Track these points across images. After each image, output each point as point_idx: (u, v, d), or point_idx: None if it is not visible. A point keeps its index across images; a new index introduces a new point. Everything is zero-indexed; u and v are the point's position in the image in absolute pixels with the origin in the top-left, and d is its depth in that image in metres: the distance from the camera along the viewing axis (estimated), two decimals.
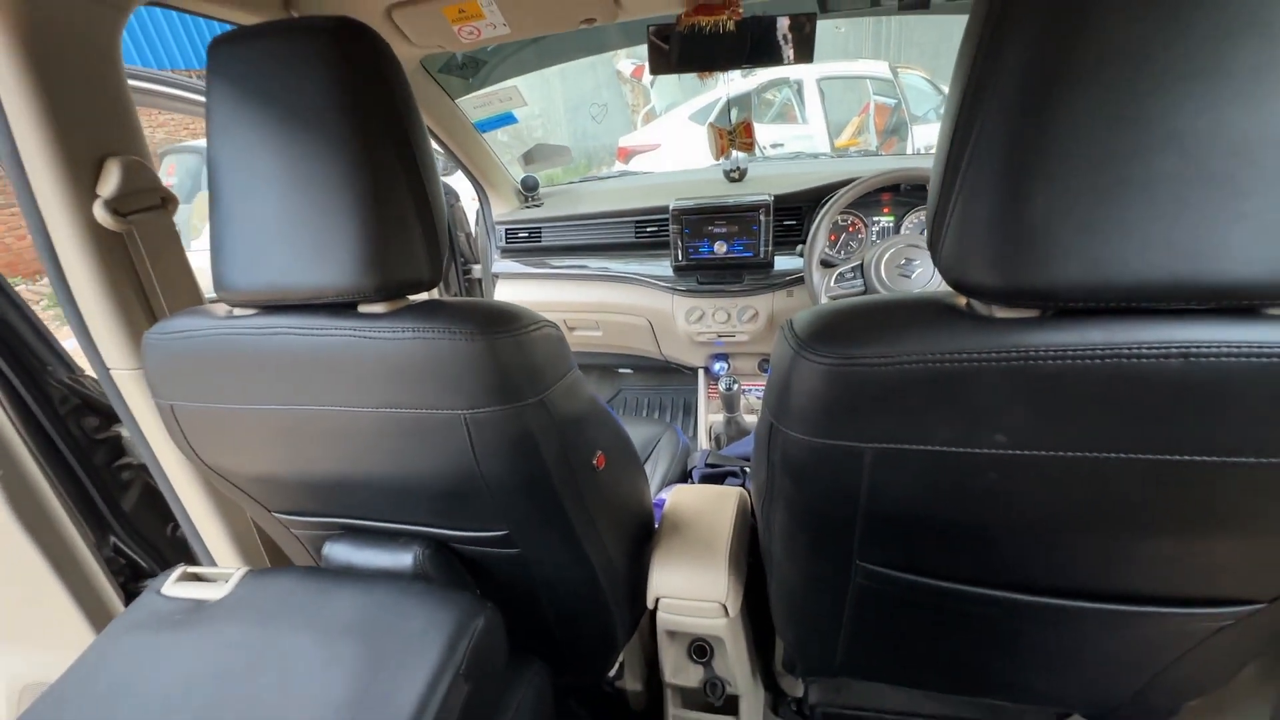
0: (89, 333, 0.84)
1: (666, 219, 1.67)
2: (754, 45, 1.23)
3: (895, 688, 1.14)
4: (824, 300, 1.42)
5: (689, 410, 2.22)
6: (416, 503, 0.76)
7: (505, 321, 0.63)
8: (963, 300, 0.50)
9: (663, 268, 1.74)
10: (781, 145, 5.09)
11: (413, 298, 0.66)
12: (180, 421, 0.73)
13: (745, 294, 1.64)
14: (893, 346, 0.49)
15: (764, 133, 5.31)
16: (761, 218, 1.60)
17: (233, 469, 0.78)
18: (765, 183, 1.74)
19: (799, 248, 1.55)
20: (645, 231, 1.78)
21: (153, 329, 0.69)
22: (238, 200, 0.61)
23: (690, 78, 1.26)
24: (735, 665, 0.96)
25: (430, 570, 0.79)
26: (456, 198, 2.02)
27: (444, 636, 0.67)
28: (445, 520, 0.78)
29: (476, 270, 2.08)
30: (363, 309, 0.63)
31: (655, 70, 1.25)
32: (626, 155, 5.97)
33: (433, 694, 0.62)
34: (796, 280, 1.59)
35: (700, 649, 0.96)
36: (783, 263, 1.65)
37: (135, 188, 0.79)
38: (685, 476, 1.36)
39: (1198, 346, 0.42)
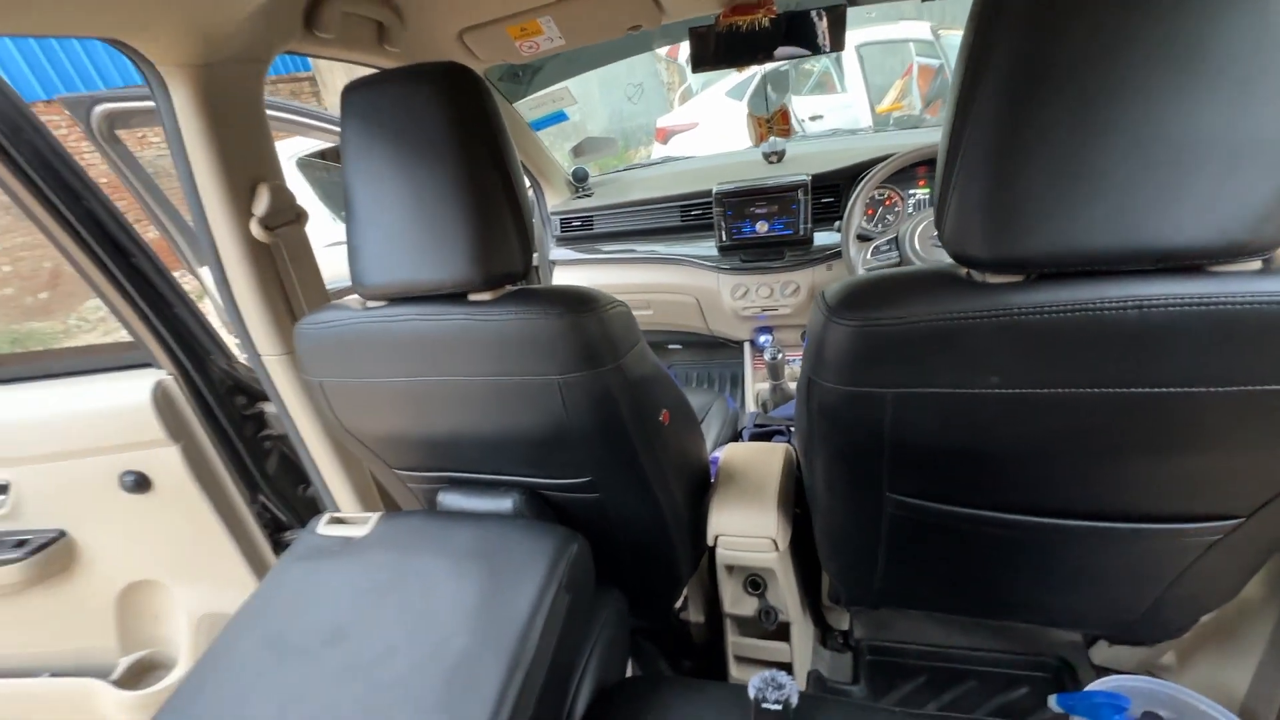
0: (245, 326, 1.04)
1: (710, 202, 1.79)
2: (789, 38, 1.33)
3: (931, 624, 1.27)
4: (861, 273, 1.52)
5: (736, 382, 2.34)
6: (515, 456, 0.92)
7: (587, 302, 0.77)
8: (963, 270, 0.61)
9: (708, 248, 1.86)
10: (821, 117, 5.07)
11: (510, 286, 0.81)
12: (327, 395, 0.91)
13: (787, 269, 1.75)
14: (905, 309, 0.61)
15: (803, 105, 5.29)
16: (800, 197, 1.70)
17: (366, 432, 0.95)
18: (803, 162, 1.83)
19: (837, 224, 1.64)
20: (690, 215, 1.90)
21: (303, 320, 0.86)
22: (369, 214, 0.77)
23: None
24: (786, 595, 1.10)
25: (526, 513, 0.96)
26: None
27: (547, 557, 0.83)
28: (538, 470, 0.94)
29: (534, 258, 2.24)
30: (472, 297, 0.79)
31: (697, 67, 1.36)
32: (665, 135, 6.03)
33: (542, 600, 0.78)
34: (835, 255, 1.69)
35: (754, 582, 1.11)
36: (822, 238, 1.74)
37: (278, 206, 0.97)
38: (736, 438, 1.50)
39: (1150, 300, 0.53)
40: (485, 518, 0.94)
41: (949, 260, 0.64)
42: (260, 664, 0.73)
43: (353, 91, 0.75)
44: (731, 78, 5.82)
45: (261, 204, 0.95)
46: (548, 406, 0.81)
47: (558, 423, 0.83)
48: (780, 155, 1.87)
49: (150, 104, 0.85)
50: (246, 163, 0.94)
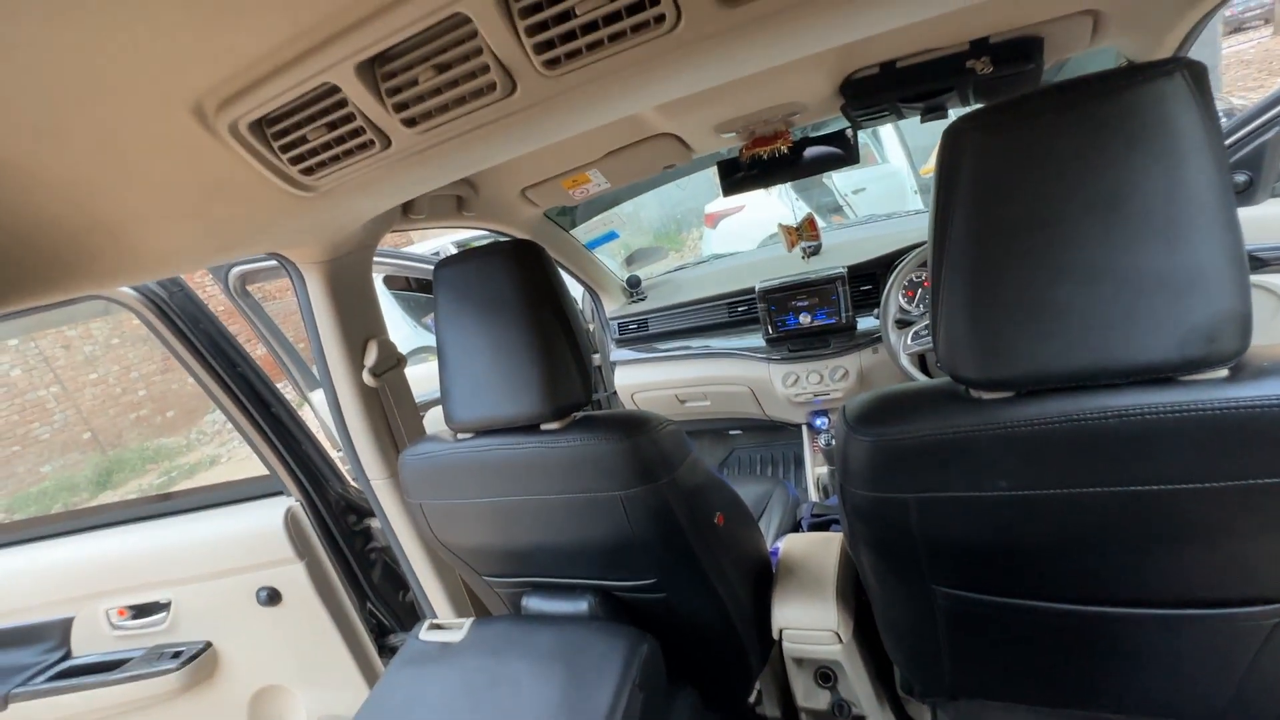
0: (357, 454, 1.23)
1: (755, 298, 1.92)
2: (805, 160, 1.49)
3: (1022, 716, 1.23)
4: (903, 358, 1.58)
5: (799, 462, 2.38)
6: (588, 562, 1.03)
7: (641, 426, 0.90)
8: (961, 386, 0.70)
9: (757, 340, 1.98)
10: (864, 190, 5.21)
11: (576, 415, 0.95)
12: (425, 513, 1.06)
13: (834, 355, 1.84)
14: (914, 424, 0.70)
15: (844, 179, 5.46)
16: (839, 288, 1.81)
17: (459, 544, 1.09)
18: (840, 253, 1.95)
19: (876, 311, 1.73)
20: (737, 311, 2.03)
21: (406, 451, 1.03)
22: (458, 363, 0.94)
23: None
24: (858, 687, 1.12)
25: (600, 614, 1.05)
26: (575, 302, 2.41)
27: (621, 658, 0.92)
28: (609, 574, 1.04)
29: (596, 359, 2.43)
30: (544, 427, 0.93)
31: (727, 192, 1.54)
32: (714, 220, 6.31)
33: (619, 700, 0.87)
34: (879, 338, 1.76)
35: (825, 674, 1.14)
36: (866, 323, 1.83)
37: (384, 356, 1.18)
38: (796, 527, 1.55)
39: (1126, 410, 0.60)
40: (564, 620, 1.04)
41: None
42: None
43: (443, 268, 0.94)
44: None
45: (371, 356, 1.16)
46: (613, 519, 0.93)
47: (622, 533, 0.94)
48: (817, 249, 2.00)
49: (272, 263, 1.09)
50: (360, 325, 1.15)
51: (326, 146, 0.54)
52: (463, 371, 0.94)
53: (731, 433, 2.52)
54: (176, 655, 1.31)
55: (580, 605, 1.06)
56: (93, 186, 0.58)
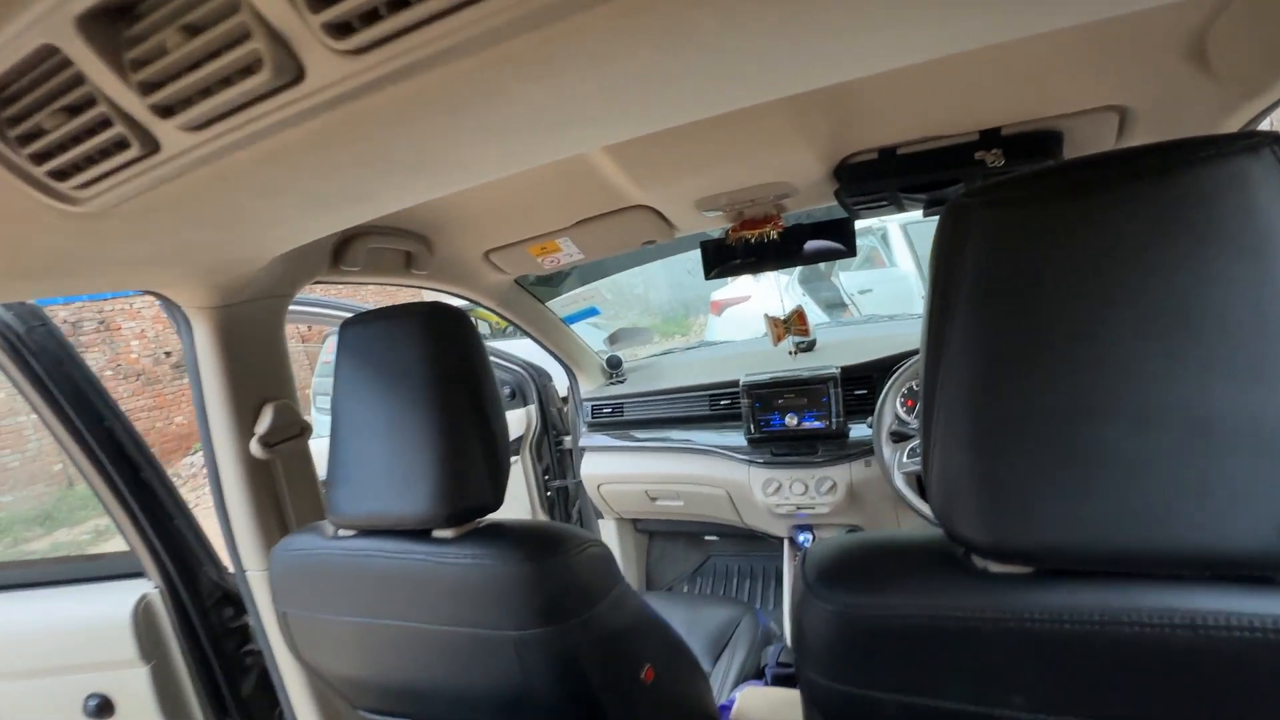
0: (234, 538, 1.02)
1: (737, 392, 1.75)
2: (798, 248, 1.36)
3: None
4: (897, 476, 1.39)
5: (780, 579, 2.12)
6: (475, 713, 0.80)
7: (556, 545, 0.71)
8: (959, 548, 0.51)
9: (738, 438, 1.79)
10: (870, 290, 5.17)
11: (480, 521, 0.76)
12: (290, 626, 0.85)
13: (822, 465, 1.64)
14: (892, 596, 0.51)
15: (851, 279, 5.44)
16: (831, 390, 1.64)
17: (327, 669, 0.87)
18: (836, 351, 1.80)
19: (870, 419, 1.55)
20: (719, 404, 1.86)
21: (278, 545, 0.83)
22: (348, 442, 0.76)
23: None
24: None
25: None
26: (549, 378, 2.24)
27: None
28: None
29: (568, 441, 2.23)
30: (435, 534, 0.74)
31: (709, 276, 1.40)
32: (720, 308, 6.28)
33: None
34: (873, 450, 1.57)
35: None
36: (859, 431, 1.64)
37: (281, 424, 1.00)
38: (760, 674, 1.29)
39: (1206, 620, 0.40)
40: None
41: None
42: None
43: (348, 327, 0.78)
44: None
45: (264, 423, 0.98)
46: (503, 667, 0.71)
47: (514, 685, 0.72)
48: (810, 345, 1.85)
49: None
50: (256, 384, 0.98)
51: (75, 141, 0.39)
52: (352, 452, 0.76)
53: (707, 538, 2.28)
54: None
55: None
56: None
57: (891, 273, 5.47)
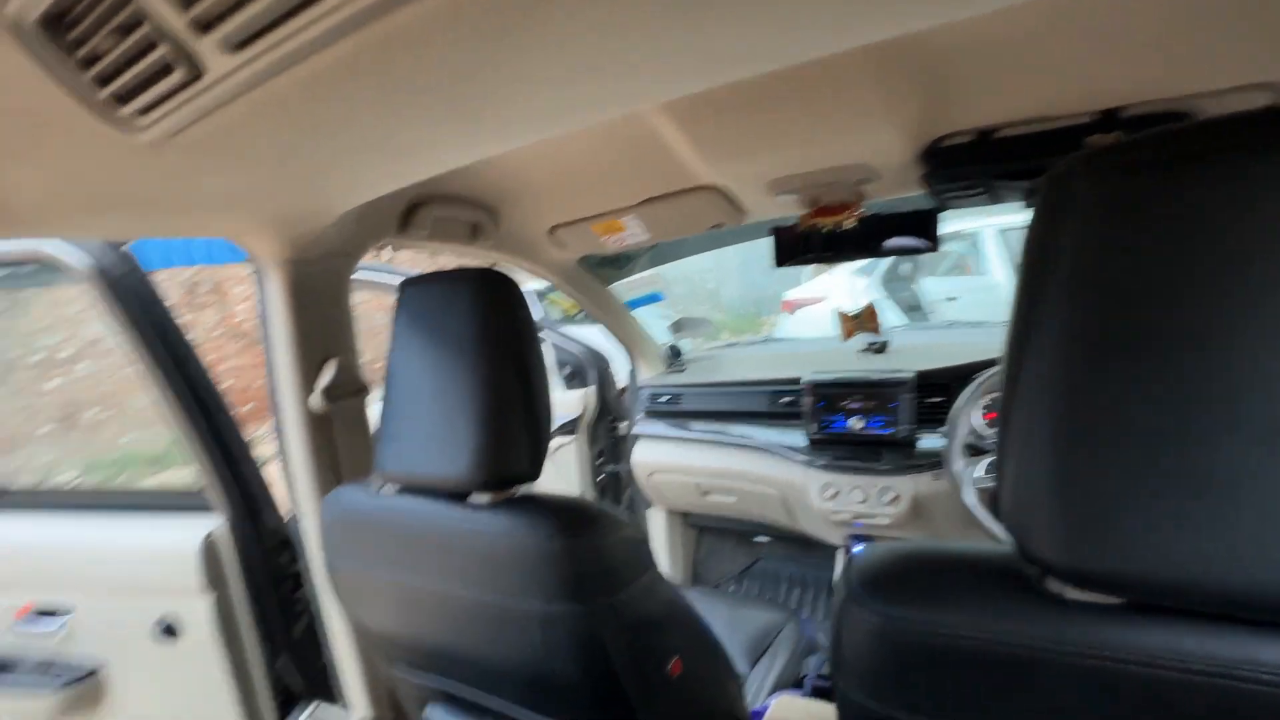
0: (293, 487, 1.07)
1: (800, 390, 1.67)
2: (876, 239, 1.27)
3: None
4: (970, 492, 1.27)
5: (831, 589, 2.02)
6: (502, 684, 0.80)
7: (587, 523, 0.68)
8: (1032, 568, 0.44)
9: (799, 438, 1.71)
10: (956, 299, 4.86)
11: (517, 490, 0.75)
12: (334, 576, 0.87)
13: (886, 474, 1.53)
14: (944, 613, 0.45)
15: (935, 285, 5.14)
16: (902, 395, 1.53)
17: (366, 623, 0.89)
18: (909, 356, 1.68)
19: (944, 429, 1.44)
20: (780, 402, 1.78)
21: (327, 497, 0.86)
22: (398, 400, 0.77)
23: None
24: None
25: None
26: (609, 362, 2.23)
27: None
28: (529, 706, 0.80)
29: (623, 427, 2.22)
30: (472, 499, 0.73)
31: (779, 263, 1.34)
32: (792, 307, 6.11)
33: None
34: (943, 463, 1.46)
35: None
36: (929, 442, 1.53)
37: (342, 380, 1.03)
38: (799, 684, 1.23)
39: None
40: None
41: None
42: None
43: (407, 287, 0.79)
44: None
45: (325, 378, 1.01)
46: (527, 640, 0.70)
47: (538, 661, 0.71)
48: (883, 346, 1.74)
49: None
50: (321, 340, 1.02)
51: (129, 64, 0.40)
52: (400, 411, 0.77)
53: (758, 539, 2.21)
54: (59, 676, 1.15)
55: None
56: None
57: (981, 281, 5.12)
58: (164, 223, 0.76)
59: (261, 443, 1.12)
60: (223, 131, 0.49)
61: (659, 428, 2.00)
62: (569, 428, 2.21)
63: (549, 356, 2.37)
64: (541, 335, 2.14)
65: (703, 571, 2.31)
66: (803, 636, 1.35)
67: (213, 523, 1.11)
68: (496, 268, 0.79)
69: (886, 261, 5.30)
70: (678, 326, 2.16)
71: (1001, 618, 0.43)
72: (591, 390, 2.18)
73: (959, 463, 1.31)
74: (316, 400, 1.00)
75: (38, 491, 1.29)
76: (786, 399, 1.77)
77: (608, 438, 2.25)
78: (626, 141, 1.01)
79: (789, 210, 1.30)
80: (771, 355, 2.07)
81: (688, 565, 2.28)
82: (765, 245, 1.37)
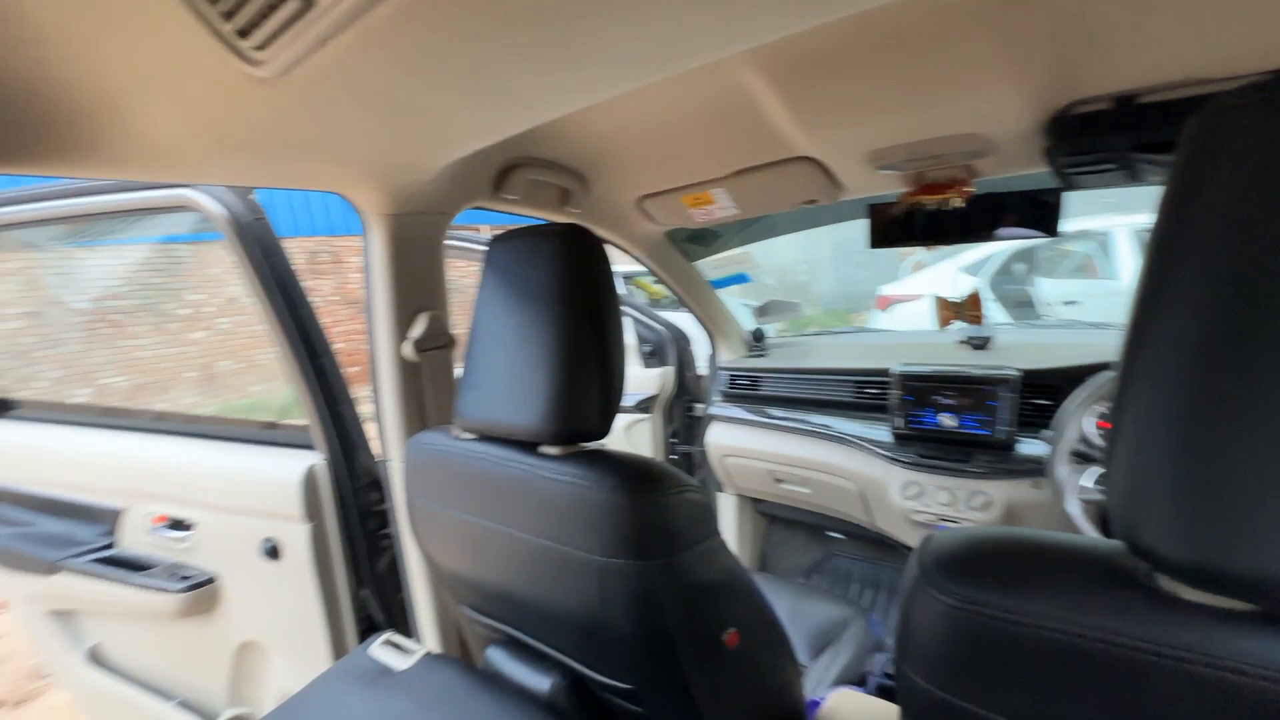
0: (383, 430, 1.14)
1: (888, 381, 1.59)
2: (987, 222, 1.17)
3: None
4: (1073, 502, 1.16)
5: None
6: (559, 632, 0.82)
7: (652, 481, 0.68)
8: (1141, 564, 0.40)
9: (883, 433, 1.63)
10: (1077, 303, 4.43)
11: (585, 445, 0.76)
12: (414, 513, 0.92)
13: (977, 477, 1.43)
14: (1032, 602, 0.41)
15: (1054, 287, 4.70)
16: (1004, 393, 1.41)
17: (439, 560, 0.94)
18: (1016, 353, 1.55)
19: (1048, 433, 1.31)
20: (866, 393, 1.70)
21: (411, 440, 0.91)
22: (480, 351, 0.80)
23: None
24: None
25: (562, 701, 0.83)
26: (690, 341, 2.22)
27: None
28: (582, 657, 0.82)
29: (700, 408, 2.20)
30: (542, 449, 0.75)
31: (875, 244, 1.27)
32: (887, 304, 5.80)
33: None
34: (1044, 471, 1.33)
35: None
36: (1029, 447, 1.41)
37: (433, 332, 1.08)
38: (863, 679, 1.18)
39: None
40: (511, 694, 0.83)
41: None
42: None
43: (496, 243, 0.81)
44: (970, 252, 5.48)
45: (417, 329, 1.07)
46: (584, 591, 0.71)
47: (593, 612, 0.72)
48: (985, 341, 1.61)
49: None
50: (415, 293, 1.08)
51: None
52: (481, 362, 0.80)
53: (831, 534, 2.13)
54: (185, 579, 1.30)
55: (543, 682, 0.85)
56: (82, 52, 0.52)
57: (1107, 286, 4.63)
58: (283, 169, 0.82)
59: (362, 402, 1.20)
60: (334, 66, 0.52)
61: (736, 411, 1.97)
62: (645, 406, 2.22)
63: (629, 335, 2.38)
64: (623, 309, 2.15)
65: (770, 562, 2.26)
66: (871, 635, 1.30)
67: (314, 459, 1.20)
68: None
69: (998, 258, 4.91)
70: (763, 310, 2.11)
71: (1096, 611, 0.39)
72: (670, 369, 2.18)
73: (1063, 469, 1.19)
74: (408, 349, 1.06)
75: (177, 416, 1.45)
76: (872, 390, 1.69)
77: (683, 418, 2.24)
78: (719, 108, 0.99)
79: (889, 188, 1.23)
80: (859, 345, 1.98)
81: (756, 554, 2.24)
82: (861, 237, 1.30)
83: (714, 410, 2.02)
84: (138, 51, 0.52)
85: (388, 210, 0.99)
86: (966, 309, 1.37)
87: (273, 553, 1.22)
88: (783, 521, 2.20)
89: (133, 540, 1.40)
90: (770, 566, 2.25)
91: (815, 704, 0.94)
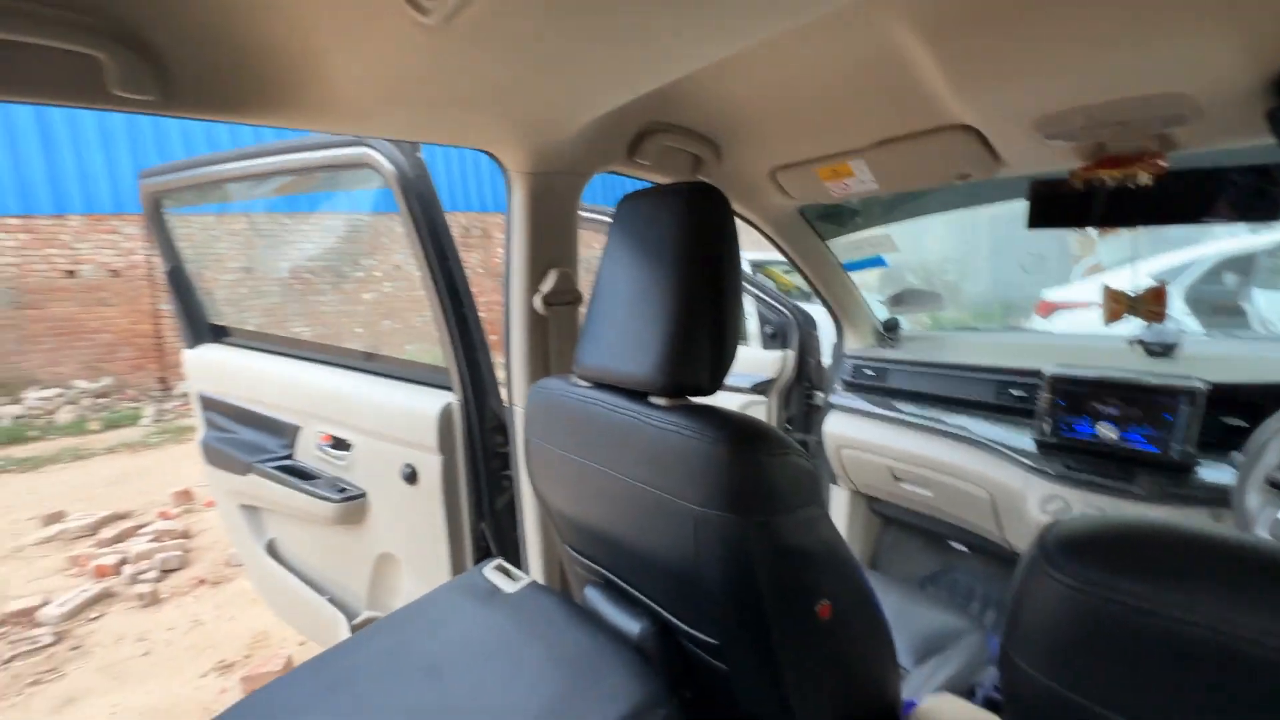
0: (511, 378, 1.24)
1: (1037, 384, 1.43)
2: (1185, 202, 1.01)
3: None
4: (1262, 531, 0.98)
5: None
6: (653, 579, 0.85)
7: (755, 439, 0.68)
8: None
9: (1024, 439, 1.48)
10: None
11: (691, 399, 0.77)
12: (530, 453, 1.00)
13: (1139, 499, 1.25)
14: (1173, 592, 0.36)
15: (1270, 300, 3.90)
16: (1183, 406, 1.22)
17: (548, 498, 1.01)
18: (1205, 365, 1.32)
19: (1235, 455, 1.11)
20: (1008, 394, 1.54)
21: (535, 384, 0.98)
22: (601, 304, 0.84)
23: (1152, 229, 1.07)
24: None
25: (650, 646, 0.86)
26: (815, 326, 2.14)
27: (624, 708, 0.72)
28: (673, 606, 0.84)
29: (819, 397, 2.13)
30: (652, 399, 0.78)
31: (1034, 224, 1.14)
32: (1049, 310, 5.18)
33: None
34: (1230, 500, 1.14)
35: None
36: (1212, 473, 1.20)
37: (561, 288, 1.15)
38: (970, 692, 1.08)
39: None
40: (602, 631, 0.87)
41: None
42: (369, 670, 0.81)
43: (626, 201, 0.85)
44: (1164, 256, 4.71)
45: (547, 284, 1.14)
46: (679, 537, 0.73)
47: (686, 560, 0.74)
48: (1167, 349, 1.40)
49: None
50: (548, 249, 1.15)
51: None
52: (601, 314, 0.84)
53: (953, 544, 1.97)
54: (342, 491, 1.51)
55: (634, 626, 0.88)
56: (291, 10, 0.62)
57: None
58: (443, 123, 0.91)
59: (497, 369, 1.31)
60: (492, 13, 0.58)
61: (858, 401, 1.88)
62: (761, 389, 2.19)
63: (751, 318, 2.35)
64: (746, 287, 2.13)
65: (882, 566, 2.14)
66: (986, 650, 1.19)
67: (450, 398, 1.33)
68: None
69: (1202, 265, 4.16)
70: (898, 299, 1.98)
71: (1264, 612, 0.33)
72: (791, 353, 2.12)
73: (1254, 499, 1.01)
74: (538, 302, 1.14)
75: (346, 351, 1.68)
76: (1016, 392, 1.53)
77: (800, 405, 2.18)
78: (864, 69, 0.94)
79: (1059, 163, 1.10)
80: (1007, 344, 1.80)
81: (866, 555, 2.14)
82: (1028, 236, 1.16)
83: (834, 399, 1.94)
84: (337, 4, 0.60)
85: (529, 169, 1.06)
86: (1145, 304, 1.19)
87: (411, 477, 1.37)
88: (898, 524, 2.07)
89: (305, 453, 1.64)
90: (880, 571, 2.13)
91: (911, 704, 0.89)
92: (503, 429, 1.39)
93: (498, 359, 1.32)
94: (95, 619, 2.68)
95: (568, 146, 1.03)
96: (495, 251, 9.41)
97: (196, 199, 1.85)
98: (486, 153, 1.06)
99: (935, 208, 1.70)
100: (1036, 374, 1.44)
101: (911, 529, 2.04)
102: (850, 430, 1.87)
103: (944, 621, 1.28)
